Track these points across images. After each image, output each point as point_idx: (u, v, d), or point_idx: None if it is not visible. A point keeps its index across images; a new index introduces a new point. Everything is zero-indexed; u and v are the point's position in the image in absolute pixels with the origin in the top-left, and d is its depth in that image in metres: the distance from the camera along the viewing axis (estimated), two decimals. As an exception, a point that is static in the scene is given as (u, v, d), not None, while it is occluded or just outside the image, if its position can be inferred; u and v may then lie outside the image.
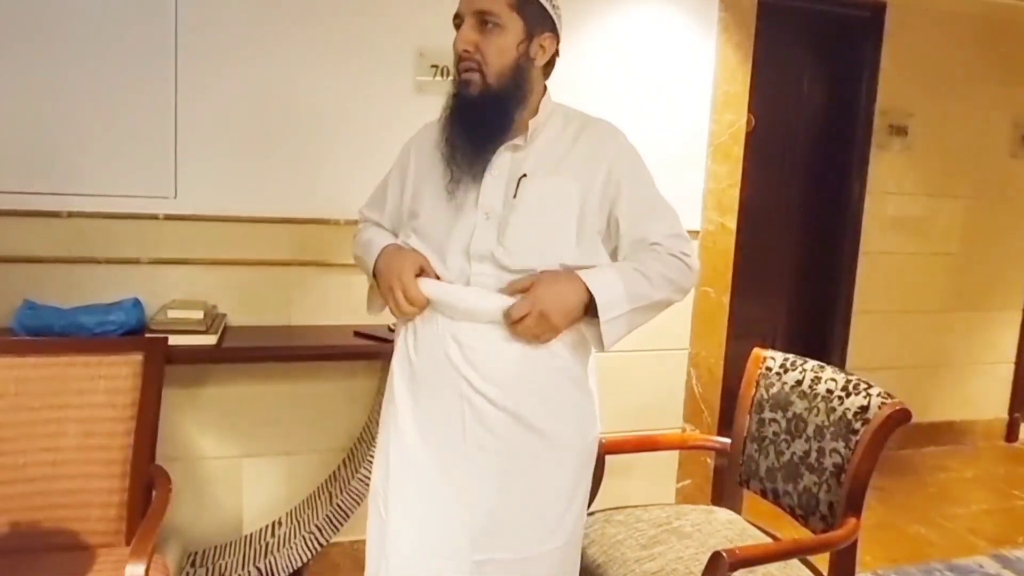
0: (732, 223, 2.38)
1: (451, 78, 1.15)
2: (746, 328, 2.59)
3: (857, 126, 2.91)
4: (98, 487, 1.48)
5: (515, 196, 1.09)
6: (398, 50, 1.98)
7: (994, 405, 3.33)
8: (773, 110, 2.71)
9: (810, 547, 1.35)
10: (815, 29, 2.87)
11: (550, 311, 1.06)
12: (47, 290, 1.76)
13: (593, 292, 1.07)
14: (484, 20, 1.07)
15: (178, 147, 1.85)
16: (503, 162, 1.12)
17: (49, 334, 1.59)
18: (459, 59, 1.10)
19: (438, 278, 1.12)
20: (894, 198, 2.99)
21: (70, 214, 1.79)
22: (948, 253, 3.11)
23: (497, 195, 1.10)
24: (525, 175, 1.10)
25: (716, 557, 1.23)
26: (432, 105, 1.83)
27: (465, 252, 1.11)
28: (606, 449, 1.54)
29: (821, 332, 3.05)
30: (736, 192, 2.37)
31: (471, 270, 1.11)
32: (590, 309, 1.09)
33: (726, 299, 2.42)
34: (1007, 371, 3.33)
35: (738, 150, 2.35)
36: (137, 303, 1.74)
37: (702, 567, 1.27)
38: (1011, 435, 3.34)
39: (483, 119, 1.09)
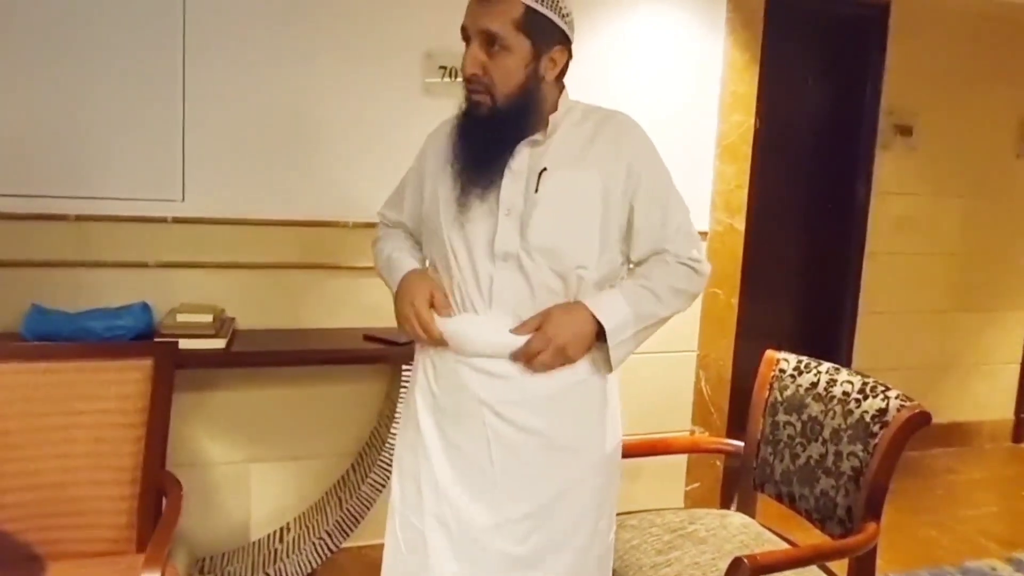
0: (740, 224, 2.37)
1: (461, 87, 1.13)
2: (752, 329, 2.58)
3: (862, 126, 2.91)
4: (108, 494, 1.46)
5: (536, 190, 1.09)
6: (406, 51, 1.97)
7: (1000, 406, 3.32)
8: (778, 111, 2.70)
9: (831, 552, 1.34)
10: (820, 29, 2.87)
11: (567, 344, 1.08)
12: (54, 294, 1.74)
13: (601, 320, 1.09)
14: (490, 41, 1.06)
15: (186, 149, 1.84)
16: (522, 158, 1.11)
17: (58, 339, 1.57)
18: (467, 80, 1.09)
19: (448, 307, 1.13)
20: (899, 198, 2.98)
21: (77, 217, 1.77)
22: (953, 253, 3.11)
23: (518, 191, 1.10)
24: (545, 169, 1.09)
25: (737, 563, 1.22)
26: (440, 107, 1.80)
27: (489, 252, 1.10)
28: (618, 453, 1.53)
29: (827, 333, 3.04)
30: (744, 193, 2.36)
31: (495, 272, 1.10)
32: (600, 334, 1.10)
33: (735, 300, 2.41)
34: (1013, 371, 3.33)
35: (746, 150, 2.35)
36: (146, 307, 1.73)
37: (719, 573, 1.25)
38: (1018, 436, 3.33)
39: (493, 138, 1.09)
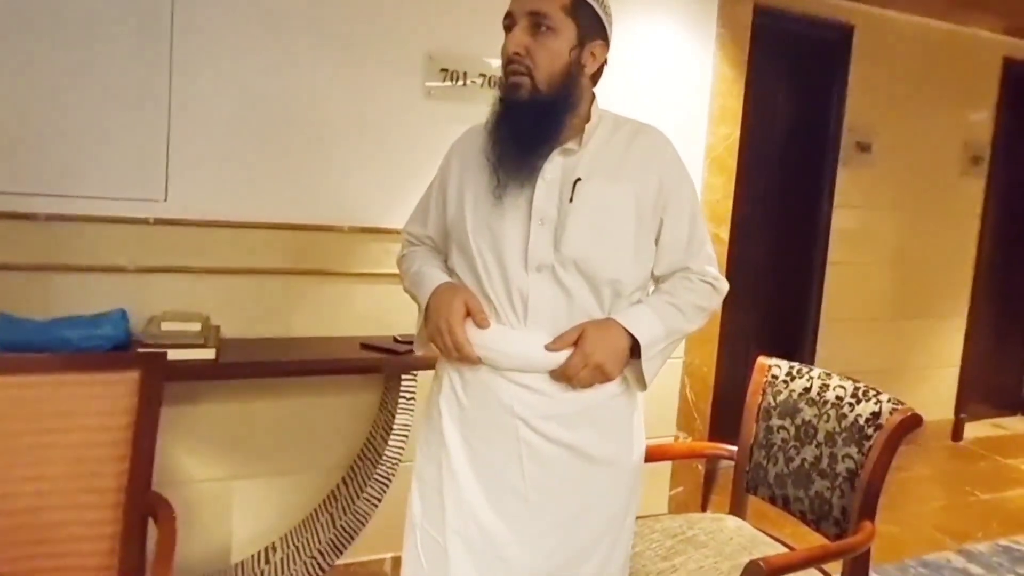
0: (725, 234, 2.44)
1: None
2: (722, 336, 2.65)
3: (827, 142, 3.06)
4: (89, 518, 1.34)
5: (571, 200, 1.08)
6: (406, 53, 1.92)
7: (942, 407, 3.56)
8: (753, 125, 2.80)
9: (835, 553, 1.39)
10: (792, 48, 3.00)
11: (604, 361, 1.07)
12: (22, 301, 1.59)
13: (635, 334, 1.09)
14: (537, 23, 1.06)
15: (171, 145, 1.72)
16: (555, 166, 1.10)
17: (29, 350, 1.44)
18: (508, 62, 1.08)
19: (486, 319, 1.10)
20: (857, 211, 3.16)
21: (48, 217, 1.63)
22: (902, 264, 3.31)
23: (551, 200, 1.08)
24: (580, 179, 1.09)
25: (754, 567, 1.25)
26: (442, 110, 1.76)
27: (522, 263, 1.08)
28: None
29: (791, 339, 3.17)
30: (730, 203, 2.43)
31: (530, 284, 1.08)
32: (633, 350, 1.11)
33: (720, 309, 2.47)
34: (953, 374, 3.58)
35: (732, 162, 2.42)
36: (124, 315, 1.61)
37: (724, 576, 1.28)
38: (957, 434, 3.59)
39: (531, 125, 1.07)
